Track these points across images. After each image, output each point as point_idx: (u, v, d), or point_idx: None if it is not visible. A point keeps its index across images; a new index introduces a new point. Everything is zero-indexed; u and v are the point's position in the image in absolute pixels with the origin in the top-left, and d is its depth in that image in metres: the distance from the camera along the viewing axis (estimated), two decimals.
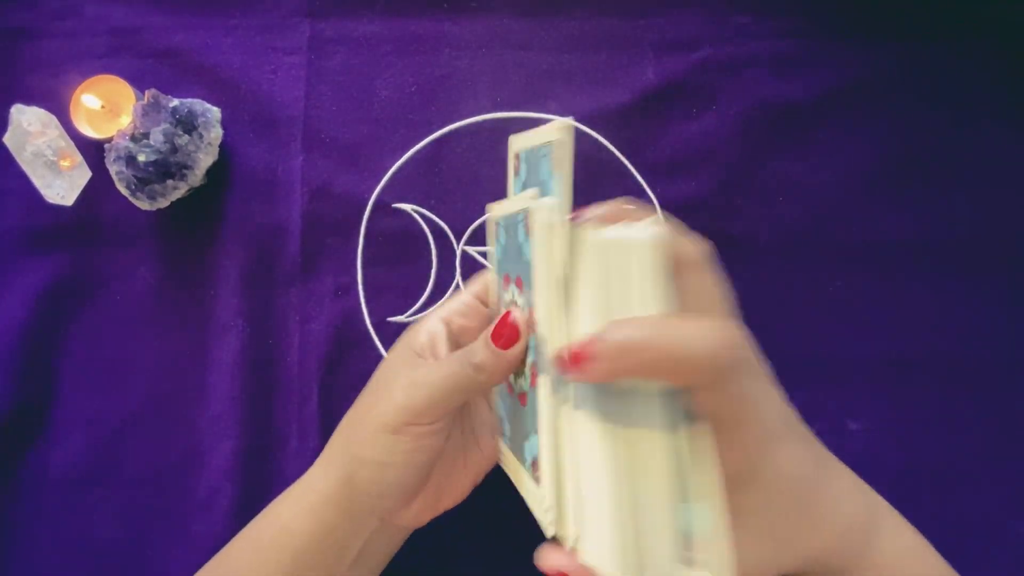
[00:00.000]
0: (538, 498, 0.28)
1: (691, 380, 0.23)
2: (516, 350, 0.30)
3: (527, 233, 0.30)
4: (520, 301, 0.31)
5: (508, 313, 0.30)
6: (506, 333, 0.29)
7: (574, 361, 0.24)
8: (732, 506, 0.25)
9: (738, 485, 0.25)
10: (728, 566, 0.23)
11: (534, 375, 0.30)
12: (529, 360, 0.31)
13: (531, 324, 0.29)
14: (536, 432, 0.29)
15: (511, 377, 0.32)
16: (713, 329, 0.23)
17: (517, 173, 0.35)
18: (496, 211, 0.34)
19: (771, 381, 0.29)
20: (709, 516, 0.24)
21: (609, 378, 0.24)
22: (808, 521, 0.29)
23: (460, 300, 0.36)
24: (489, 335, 0.29)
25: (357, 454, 0.31)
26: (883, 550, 0.32)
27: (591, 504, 0.24)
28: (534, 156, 0.33)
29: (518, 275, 0.31)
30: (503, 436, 0.34)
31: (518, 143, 0.35)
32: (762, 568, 0.29)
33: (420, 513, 0.33)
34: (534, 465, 0.29)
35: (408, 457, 0.31)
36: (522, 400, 0.31)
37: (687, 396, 0.24)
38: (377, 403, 0.31)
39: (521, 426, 0.31)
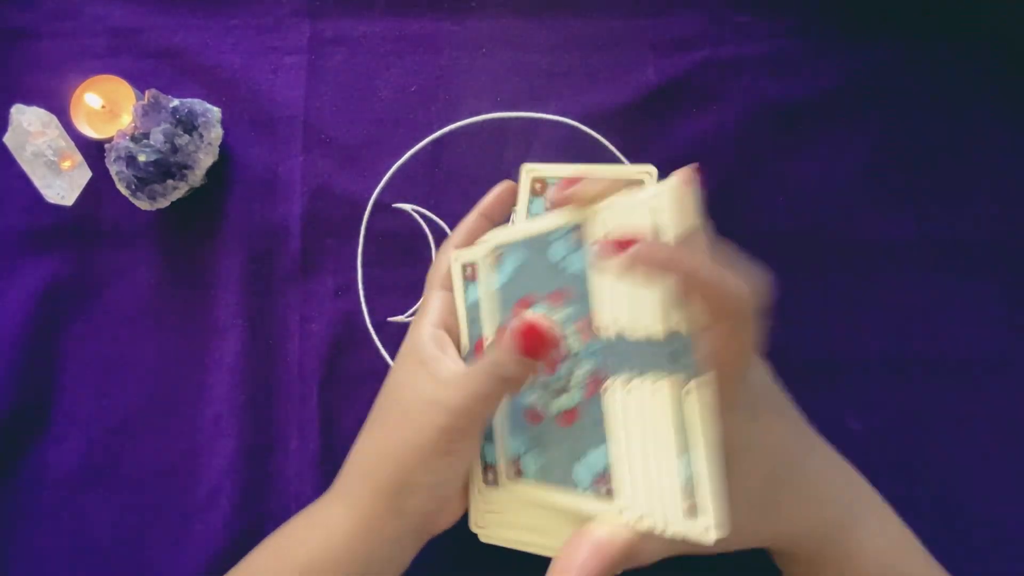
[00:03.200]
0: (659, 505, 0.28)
1: (724, 310, 0.25)
2: (546, 356, 0.29)
3: (578, 244, 0.31)
4: (562, 316, 0.31)
5: (532, 323, 0.29)
6: (532, 343, 0.29)
7: (622, 246, 0.25)
8: None
9: (723, 450, 0.26)
10: (719, 510, 0.25)
11: (595, 385, 0.30)
12: (583, 371, 0.30)
13: (588, 331, 0.30)
14: (606, 442, 0.29)
15: (538, 402, 0.32)
16: (750, 280, 0.26)
17: (539, 194, 0.36)
18: (493, 240, 0.35)
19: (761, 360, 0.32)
20: (701, 462, 0.26)
21: (643, 268, 0.25)
22: (787, 494, 0.31)
23: (440, 299, 0.36)
24: (516, 347, 0.29)
25: (406, 482, 0.31)
26: (863, 539, 0.33)
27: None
28: (538, 242, 0.33)
29: (554, 291, 0.32)
30: (517, 474, 0.33)
31: (546, 171, 0.36)
32: (742, 536, 0.30)
33: (455, 514, 0.34)
34: (604, 481, 0.29)
35: (458, 471, 0.32)
36: (566, 419, 0.31)
37: (688, 349, 0.27)
38: (413, 429, 0.31)
39: (569, 448, 0.30)
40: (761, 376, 0.32)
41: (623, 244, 0.25)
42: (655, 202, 0.27)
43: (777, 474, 0.30)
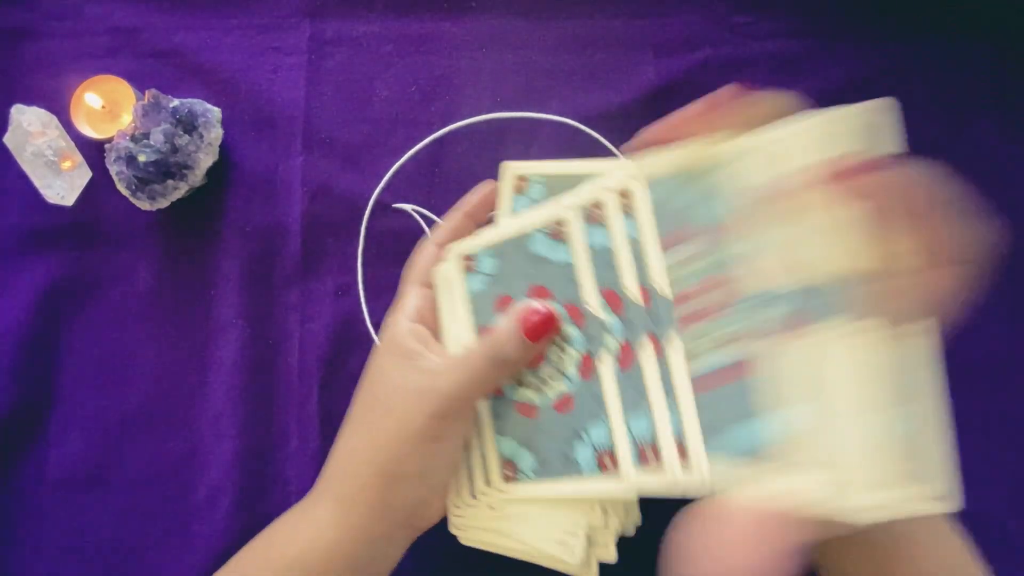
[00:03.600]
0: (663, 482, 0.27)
1: (951, 254, 0.22)
2: (547, 340, 0.31)
3: (558, 238, 0.31)
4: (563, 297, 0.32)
5: (538, 308, 0.31)
6: (537, 327, 0.30)
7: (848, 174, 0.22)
8: None
9: None
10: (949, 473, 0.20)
11: (587, 365, 0.31)
12: (575, 355, 0.31)
13: (580, 316, 0.30)
14: (604, 416, 0.30)
15: (532, 396, 0.33)
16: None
17: (521, 192, 0.36)
18: (478, 241, 0.35)
19: None
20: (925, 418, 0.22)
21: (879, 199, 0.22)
22: None
23: (417, 295, 0.36)
24: (519, 330, 0.30)
25: (392, 473, 0.31)
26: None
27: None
28: (568, 181, 0.34)
29: (534, 286, 0.32)
30: (516, 473, 0.33)
31: (527, 169, 0.36)
32: None
33: (441, 510, 0.34)
34: (608, 455, 0.29)
35: (449, 458, 0.32)
36: (563, 405, 0.32)
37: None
38: (402, 419, 0.31)
39: (570, 431, 0.31)
40: None
41: (850, 172, 0.22)
42: (839, 127, 0.23)
43: None
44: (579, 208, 0.31)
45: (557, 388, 0.32)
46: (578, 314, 0.31)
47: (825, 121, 0.23)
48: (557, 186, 0.35)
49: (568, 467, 0.31)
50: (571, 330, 0.31)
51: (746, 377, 0.25)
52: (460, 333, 0.35)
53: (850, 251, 0.22)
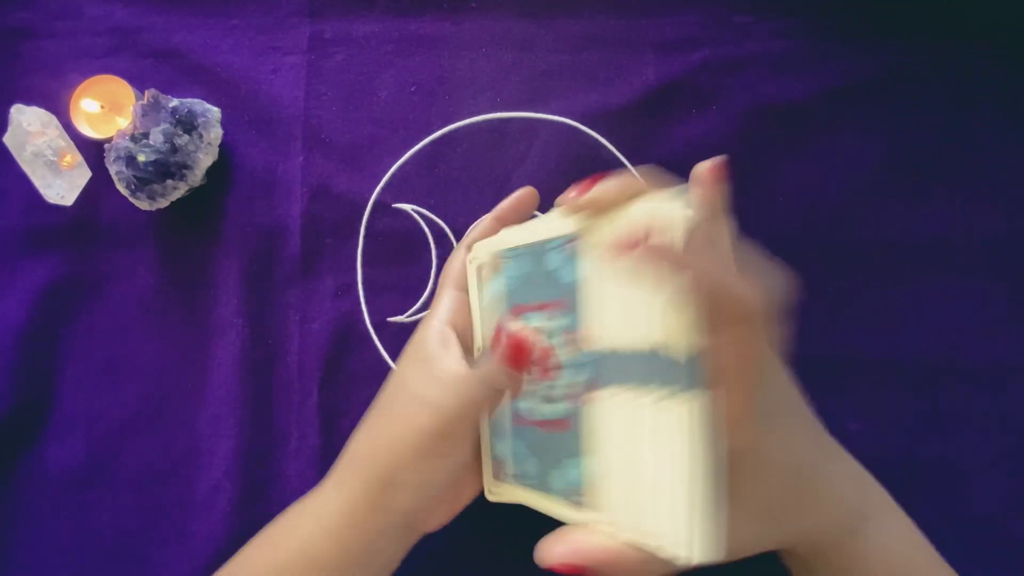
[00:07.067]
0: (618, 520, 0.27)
1: (731, 316, 0.24)
2: (528, 367, 0.31)
3: (572, 255, 0.29)
4: (552, 326, 0.30)
5: (512, 336, 0.31)
6: (515, 356, 0.30)
7: (630, 246, 0.24)
8: (728, 484, 0.25)
9: (736, 463, 0.25)
10: (708, 534, 0.23)
11: (575, 397, 0.29)
12: (565, 382, 0.30)
13: (581, 342, 0.29)
14: (584, 454, 0.28)
15: (530, 407, 0.32)
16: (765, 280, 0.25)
17: (498, 270, 0.34)
18: (498, 244, 0.34)
19: (782, 363, 0.30)
20: (693, 482, 0.23)
21: (650, 269, 0.24)
22: (802, 504, 0.30)
23: (451, 297, 0.36)
24: (503, 360, 0.30)
25: (395, 479, 0.31)
26: (871, 539, 0.32)
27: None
28: (535, 251, 0.32)
29: (550, 300, 0.30)
30: (505, 475, 0.34)
31: (487, 247, 0.35)
32: (749, 544, 0.30)
33: (446, 515, 0.34)
34: (573, 490, 0.29)
35: (447, 473, 0.32)
36: (547, 427, 0.31)
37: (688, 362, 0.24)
38: (404, 426, 0.31)
39: (547, 455, 0.31)
40: (780, 382, 0.30)
41: (632, 244, 0.24)
42: (670, 204, 0.24)
43: (789, 484, 0.29)
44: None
45: (545, 410, 0.31)
46: (575, 341, 0.29)
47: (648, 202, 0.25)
48: (524, 254, 0.33)
49: (542, 485, 0.31)
50: (565, 356, 0.30)
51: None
52: (483, 333, 0.35)
53: (655, 323, 0.24)
